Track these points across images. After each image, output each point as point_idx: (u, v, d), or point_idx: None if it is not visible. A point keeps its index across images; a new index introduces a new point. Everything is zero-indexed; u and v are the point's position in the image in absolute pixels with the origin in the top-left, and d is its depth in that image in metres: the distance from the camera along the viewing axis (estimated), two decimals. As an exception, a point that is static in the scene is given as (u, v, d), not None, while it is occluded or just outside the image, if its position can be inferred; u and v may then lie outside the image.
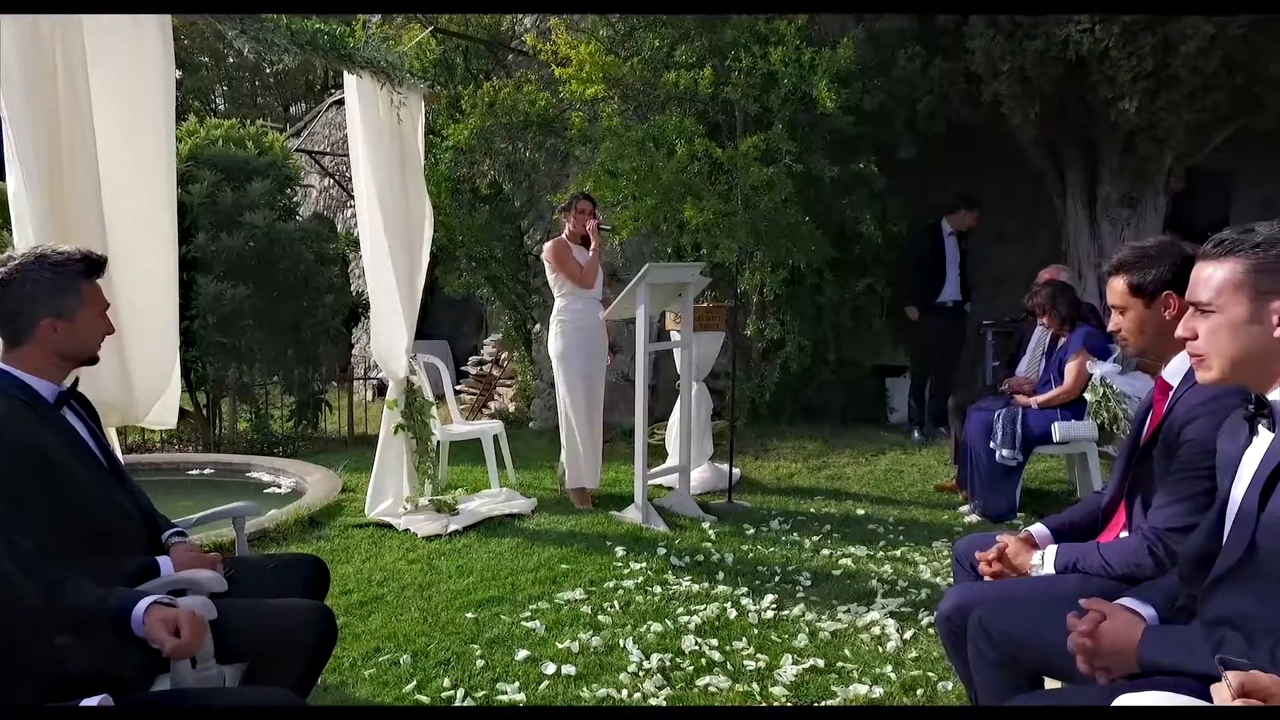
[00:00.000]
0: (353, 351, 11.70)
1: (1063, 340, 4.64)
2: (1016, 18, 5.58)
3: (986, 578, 2.19)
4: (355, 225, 10.84)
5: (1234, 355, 1.51)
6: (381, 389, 10.40)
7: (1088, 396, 4.26)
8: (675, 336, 5.21)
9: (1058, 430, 4.34)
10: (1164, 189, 6.47)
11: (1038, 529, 2.24)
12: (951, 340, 6.69)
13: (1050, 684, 1.87)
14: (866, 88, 6.21)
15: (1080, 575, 1.99)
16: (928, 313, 6.62)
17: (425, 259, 4.63)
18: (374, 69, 4.16)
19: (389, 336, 4.51)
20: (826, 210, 6.53)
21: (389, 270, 4.33)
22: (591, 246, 4.88)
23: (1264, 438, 1.53)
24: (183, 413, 6.55)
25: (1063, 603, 1.76)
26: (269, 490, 5.50)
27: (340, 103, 11.27)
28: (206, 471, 5.98)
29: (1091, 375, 4.25)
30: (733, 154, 6.04)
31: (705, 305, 5.35)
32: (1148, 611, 1.65)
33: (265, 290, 7.36)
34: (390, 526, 4.42)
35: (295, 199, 8.70)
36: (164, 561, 2.07)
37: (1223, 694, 1.16)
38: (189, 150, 7.59)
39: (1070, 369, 4.42)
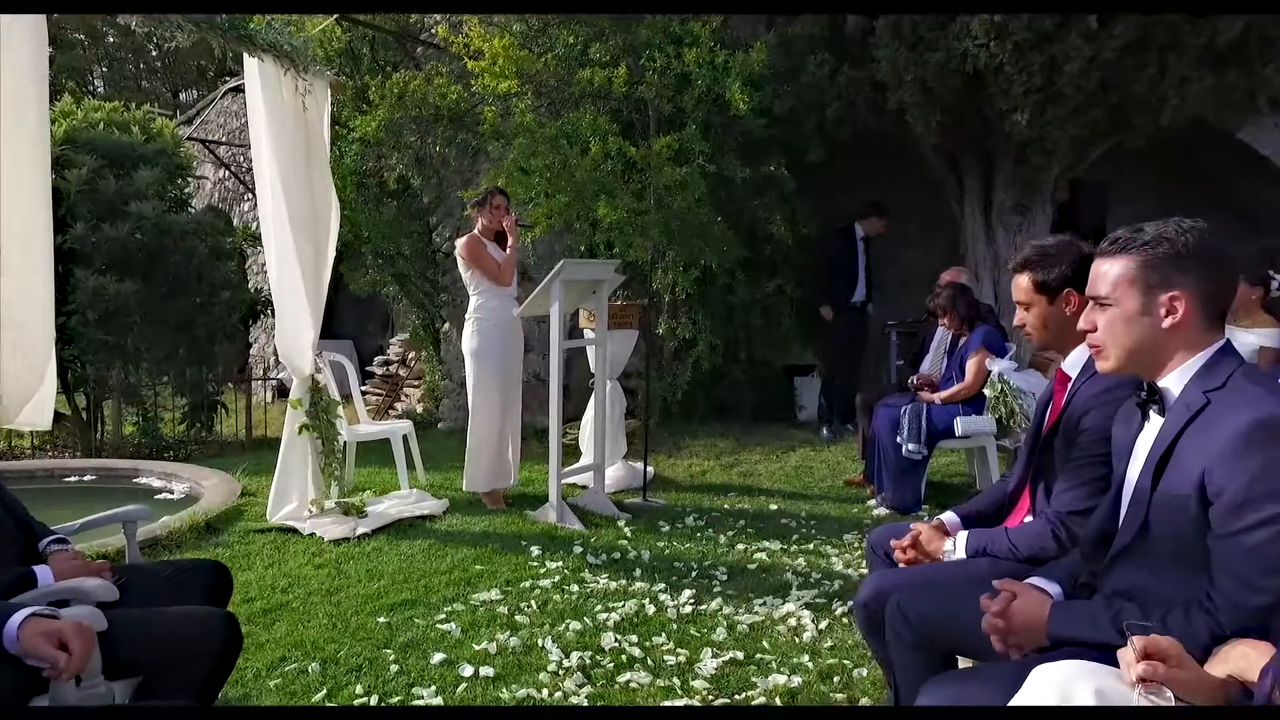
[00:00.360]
0: (251, 351, 11.20)
1: (963, 340, 4.84)
2: (920, 30, 5.80)
3: (901, 564, 2.25)
4: (254, 219, 10.41)
5: (1129, 346, 1.59)
6: (282, 390, 10.00)
7: (987, 392, 4.46)
8: (589, 334, 5.18)
9: (960, 425, 4.52)
10: (1051, 198, 6.86)
11: (948, 517, 2.32)
12: (858, 339, 6.94)
13: (964, 664, 1.93)
14: (777, 92, 6.33)
15: (990, 559, 2.07)
16: (840, 313, 6.84)
17: (331, 252, 4.46)
18: (276, 53, 3.98)
19: (294, 332, 4.31)
20: (738, 211, 6.63)
21: (294, 263, 4.14)
22: (508, 243, 4.80)
23: (1155, 423, 1.62)
24: (58, 416, 6.12)
25: (975, 585, 1.83)
26: (160, 496, 5.19)
27: (237, 89, 10.77)
28: (87, 478, 5.58)
29: (990, 372, 4.45)
30: (646, 153, 6.05)
31: (619, 303, 5.34)
32: (1054, 589, 1.73)
33: (154, 285, 6.93)
34: (294, 531, 4.23)
35: (187, 190, 8.25)
36: (42, 571, 1.92)
37: (1128, 657, 1.21)
38: (64, 133, 7.08)
39: (970, 366, 4.62)
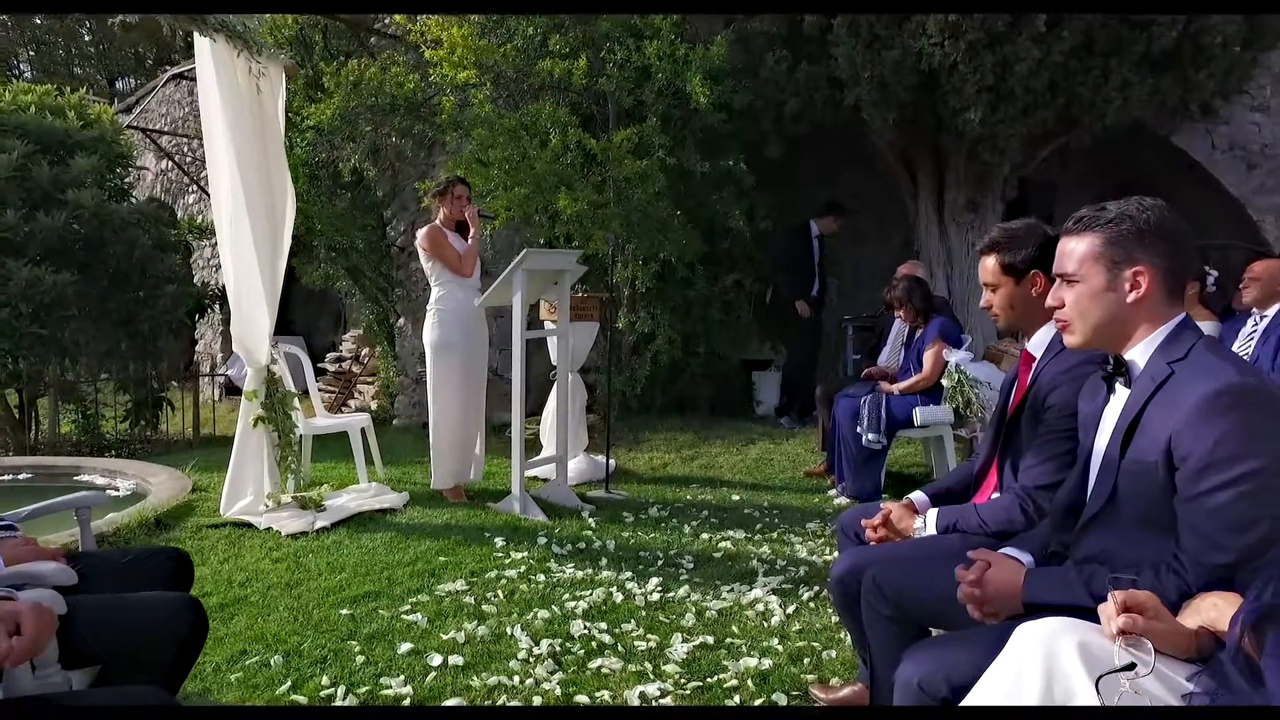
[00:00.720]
0: (197, 347, 10.89)
1: (919, 332, 4.93)
2: (876, 29, 5.90)
3: (872, 543, 2.28)
4: (199, 212, 10.12)
5: (1095, 320, 1.65)
6: (230, 388, 9.73)
7: (944, 382, 4.54)
8: (550, 326, 5.15)
9: (918, 415, 4.60)
10: (1002, 195, 7.03)
11: (917, 496, 2.35)
12: (815, 333, 7.05)
13: (937, 634, 1.96)
14: (736, 87, 6.37)
15: (961, 534, 2.11)
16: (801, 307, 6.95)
17: (287, 240, 4.35)
18: (229, 32, 3.87)
19: (250, 320, 4.20)
20: (697, 205, 6.66)
21: (250, 248, 4.03)
22: (470, 233, 4.74)
23: (1121, 395, 1.67)
24: (-10, 413, 5.88)
25: (948, 558, 1.86)
26: (105, 493, 4.99)
27: (180, 77, 10.46)
28: (22, 476, 5.34)
29: (948, 363, 4.53)
30: (606, 145, 6.04)
31: (580, 295, 5.32)
32: (1026, 558, 1.77)
33: (93, 277, 6.69)
34: (250, 526, 4.12)
35: (128, 179, 7.98)
36: None
37: (1108, 610, 1.25)
38: (-11, 116, 6.78)
39: (928, 357, 4.70)
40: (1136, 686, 1.15)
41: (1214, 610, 1.26)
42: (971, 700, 1.32)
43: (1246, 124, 7.04)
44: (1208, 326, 4.93)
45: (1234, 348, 4.59)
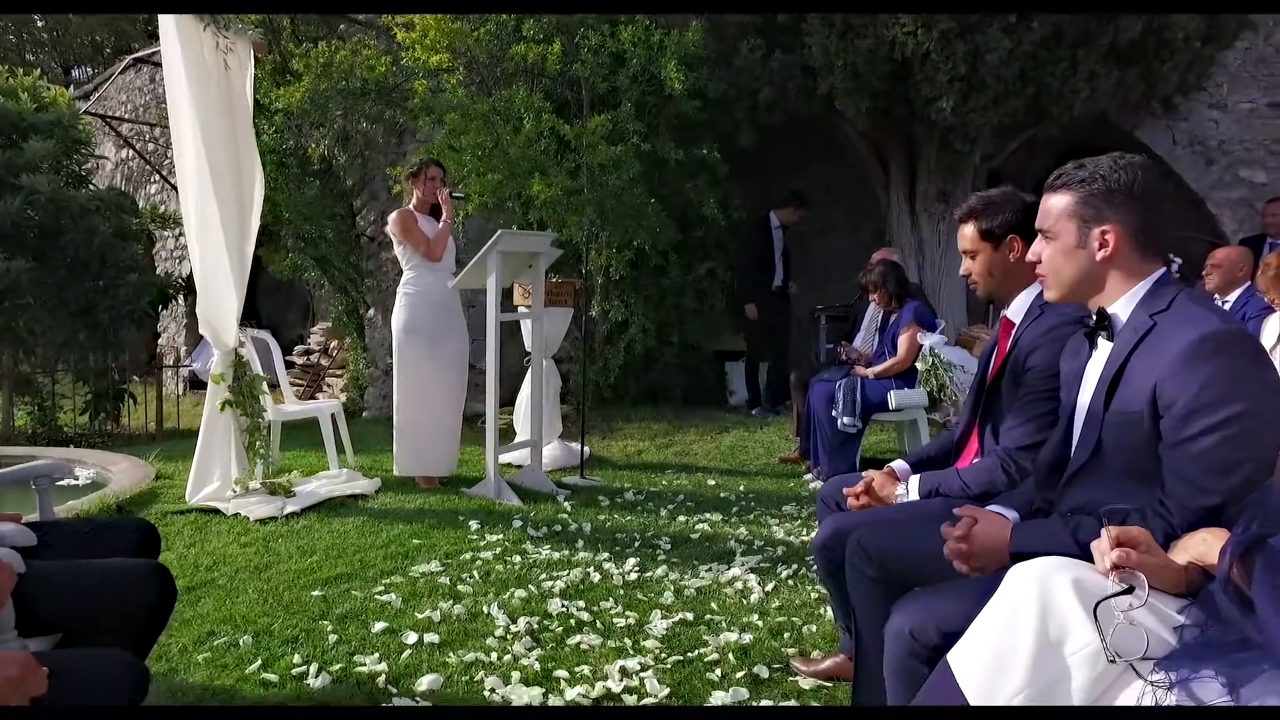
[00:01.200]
0: (161, 340, 10.66)
1: (894, 317, 4.96)
2: (850, 18, 5.92)
3: (854, 510, 2.27)
4: (161, 201, 9.89)
5: (1067, 276, 1.69)
6: (195, 382, 9.52)
7: (919, 366, 4.57)
8: (525, 310, 5.10)
9: (893, 398, 4.63)
10: (972, 186, 7.10)
11: (898, 464, 2.35)
12: (781, 322, 7.08)
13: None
14: (710, 75, 6.36)
15: (944, 498, 2.11)
16: (761, 298, 6.97)
17: (255, 222, 4.25)
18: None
19: (216, 303, 4.10)
20: (671, 193, 6.64)
21: (217, 228, 3.93)
22: (443, 216, 4.67)
23: (1103, 349, 1.68)
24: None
25: (932, 520, 1.85)
26: (63, 483, 4.85)
27: (139, 63, 10.22)
28: None
29: (922, 346, 4.56)
30: (580, 131, 6.01)
31: (555, 280, 5.28)
32: (1011, 514, 1.77)
33: (50, 265, 6.50)
34: (217, 512, 4.02)
35: (86, 166, 7.77)
36: None
37: (1102, 546, 1.25)
38: (-64, 98, 6.58)
39: (903, 341, 4.73)
40: (1130, 618, 1.14)
41: (1203, 545, 1.26)
42: (966, 641, 1.31)
43: (1205, 121, 7.20)
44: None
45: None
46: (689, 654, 2.59)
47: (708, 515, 4.17)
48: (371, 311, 7.83)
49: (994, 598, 1.30)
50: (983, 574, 1.64)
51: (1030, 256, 1.78)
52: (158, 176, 10.14)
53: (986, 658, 1.25)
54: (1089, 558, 1.36)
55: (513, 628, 2.76)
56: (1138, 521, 1.43)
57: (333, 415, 4.94)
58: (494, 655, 2.57)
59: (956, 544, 1.66)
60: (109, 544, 1.94)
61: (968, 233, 2.27)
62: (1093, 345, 1.73)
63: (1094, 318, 1.70)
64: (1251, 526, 1.16)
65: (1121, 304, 1.64)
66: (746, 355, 7.39)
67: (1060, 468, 1.76)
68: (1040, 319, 2.13)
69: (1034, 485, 1.84)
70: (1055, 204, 1.68)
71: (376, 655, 2.55)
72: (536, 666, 2.50)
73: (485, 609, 2.91)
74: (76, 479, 4.88)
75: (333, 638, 2.67)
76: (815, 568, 2.51)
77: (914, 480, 2.21)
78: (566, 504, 4.32)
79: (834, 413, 4.67)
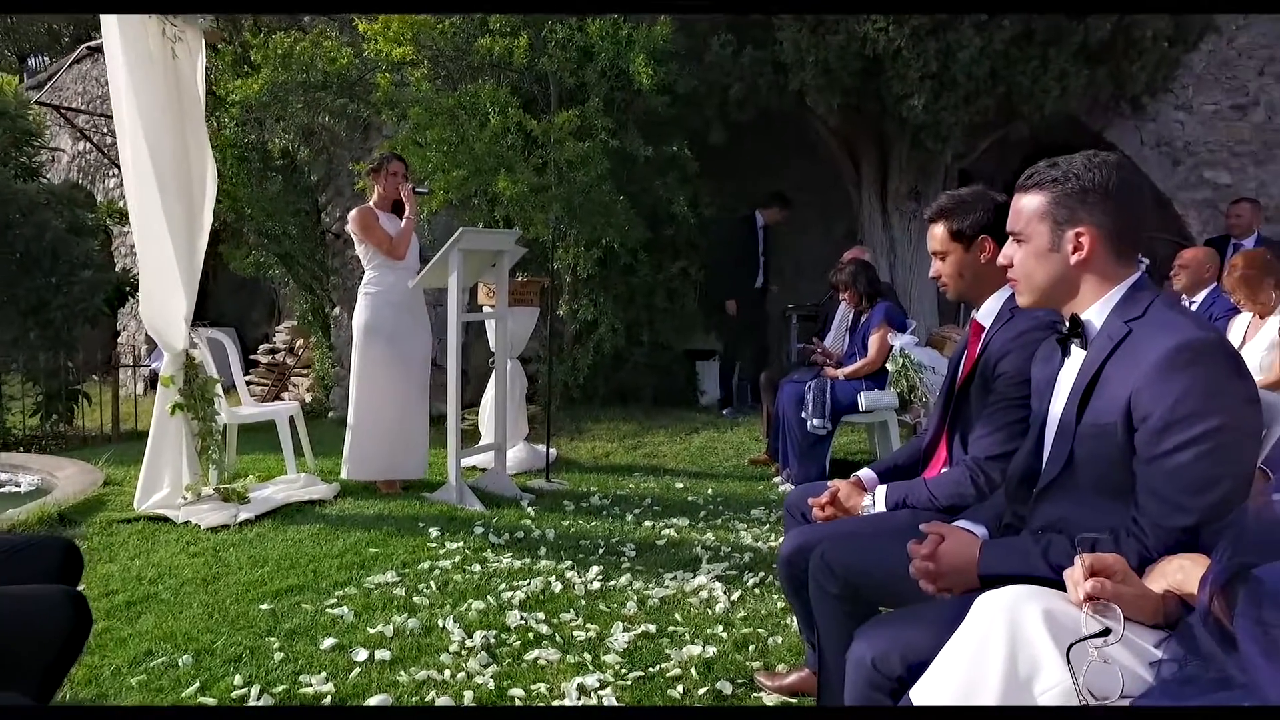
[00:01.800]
0: (120, 338, 10.38)
1: (864, 317, 4.90)
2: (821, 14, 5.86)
3: (819, 521, 2.19)
4: (120, 196, 9.61)
5: (1041, 280, 1.60)
6: (154, 382, 9.26)
7: (889, 367, 4.51)
8: (489, 310, 4.98)
9: (863, 400, 4.57)
10: (944, 186, 7.08)
11: (865, 473, 2.28)
12: (759, 323, 7.03)
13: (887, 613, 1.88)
14: (680, 71, 6.26)
15: (911, 510, 2.03)
16: (742, 298, 6.92)
17: (208, 218, 4.09)
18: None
19: (162, 303, 3.93)
20: (640, 190, 6.54)
21: (163, 226, 3.77)
22: (406, 213, 4.53)
23: (1076, 357, 1.61)
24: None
25: (898, 534, 1.78)
26: (4, 490, 4.66)
27: (95, 52, 9.90)
28: None
29: (892, 347, 4.51)
30: (547, 127, 5.89)
31: (520, 279, 5.17)
32: (980, 530, 1.69)
33: (-1, 261, 6.29)
34: (167, 520, 3.87)
35: (37, 158, 7.52)
36: None
37: (1075, 575, 1.17)
38: None
39: (873, 341, 4.67)
40: (1105, 655, 1.07)
41: (1180, 573, 1.19)
42: (930, 676, 1.23)
43: (1171, 122, 7.24)
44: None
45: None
46: (650, 669, 2.51)
47: (674, 520, 4.08)
48: (337, 310, 7.65)
49: (961, 628, 1.22)
50: (950, 594, 1.57)
51: (1001, 260, 1.69)
52: (116, 170, 9.84)
53: (952, 695, 1.17)
54: (1060, 578, 1.29)
55: (468, 642, 2.65)
56: (1110, 544, 1.36)
57: (291, 418, 4.79)
58: (447, 673, 2.46)
59: (923, 563, 1.59)
60: (25, 567, 1.80)
61: (938, 233, 2.20)
62: (1065, 352, 1.66)
63: (1066, 324, 1.63)
64: (1232, 554, 1.09)
65: (1095, 310, 1.57)
66: (723, 354, 7.33)
67: (1031, 479, 1.68)
68: (1011, 323, 2.06)
69: (1004, 498, 1.77)
70: (1027, 205, 1.60)
71: (323, 674, 2.43)
72: (491, 685, 2.40)
73: (441, 622, 2.80)
74: (19, 485, 4.69)
75: (278, 656, 2.54)
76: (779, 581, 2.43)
77: (880, 491, 2.14)
78: (530, 509, 4.22)
79: (803, 414, 4.61)
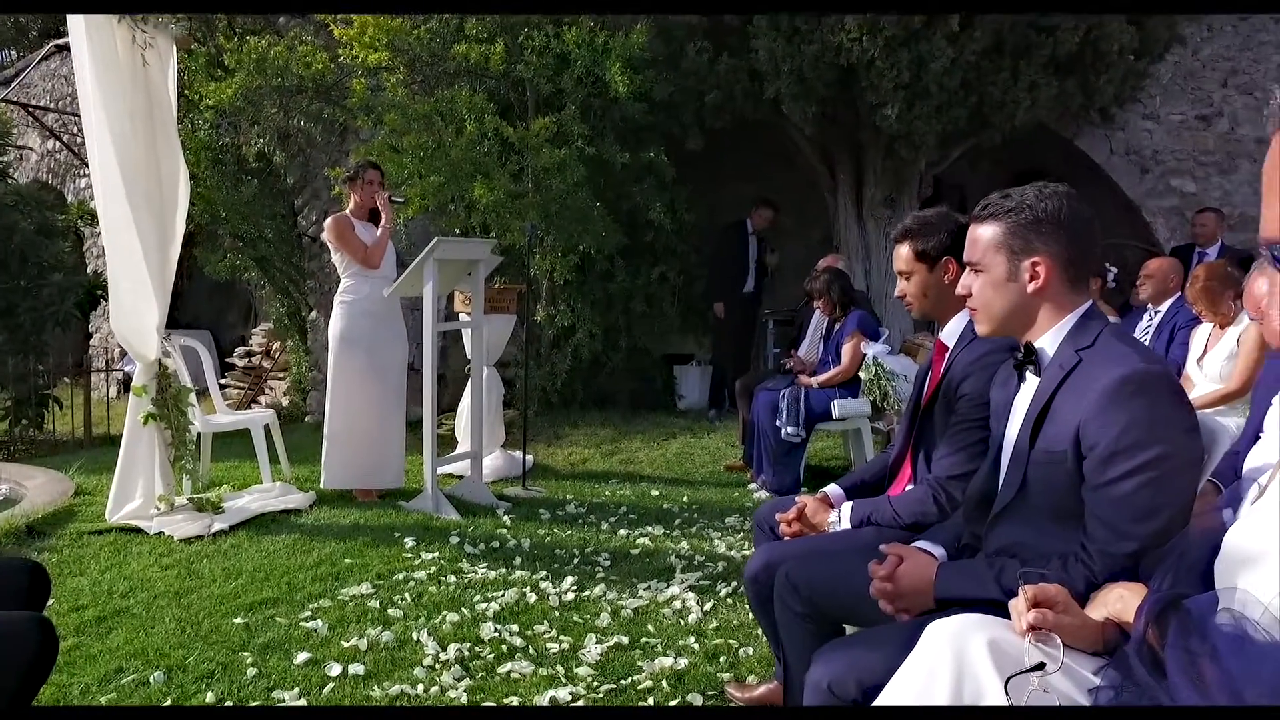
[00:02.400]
0: (91, 341, 10.26)
1: (838, 325, 4.96)
2: (796, 22, 5.91)
3: (786, 537, 2.24)
4: (91, 196, 9.49)
5: (999, 310, 1.64)
6: (128, 385, 9.16)
7: (862, 375, 4.58)
8: (465, 319, 4.99)
9: (837, 408, 4.63)
10: (917, 193, 7.17)
11: (832, 489, 2.33)
12: (747, 329, 7.11)
13: (851, 633, 1.93)
14: (657, 78, 6.30)
15: (876, 528, 2.08)
16: (730, 304, 7.00)
17: (180, 226, 4.07)
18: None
19: (133, 313, 3.91)
20: (617, 197, 6.57)
21: (133, 235, 3.74)
22: (381, 222, 4.52)
23: (1031, 383, 1.66)
24: None
25: (862, 553, 1.82)
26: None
27: (64, 50, 9.77)
28: None
29: (865, 355, 4.57)
30: (524, 134, 5.90)
31: (497, 287, 5.18)
32: (939, 551, 1.75)
33: (-35, 265, 6.21)
34: (139, 531, 3.85)
35: (5, 158, 7.43)
36: None
37: (1019, 606, 1.22)
38: None
39: (846, 350, 4.73)
40: (1045, 684, 1.12)
41: (1120, 602, 1.24)
42: (882, 701, 1.27)
43: (1140, 131, 7.38)
44: (1108, 322, 5.10)
45: (1132, 342, 4.78)
46: (622, 682, 2.54)
47: (649, 529, 4.12)
48: (314, 314, 7.62)
49: (910, 656, 1.27)
50: (909, 614, 1.62)
51: (960, 290, 1.73)
52: (87, 169, 9.72)
53: (901, 721, 1.22)
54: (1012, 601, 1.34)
55: (442, 655, 2.67)
56: (1059, 569, 1.41)
57: (266, 426, 4.78)
58: (420, 687, 2.48)
59: (881, 583, 1.64)
60: (-8, 589, 1.80)
61: (903, 253, 2.24)
62: (1021, 377, 1.71)
63: (1022, 350, 1.68)
64: (1166, 582, 1.14)
65: (1049, 338, 1.62)
66: (713, 359, 7.39)
67: (988, 501, 1.73)
68: (973, 344, 2.11)
69: (963, 519, 1.82)
70: (983, 235, 1.64)
71: (297, 690, 2.44)
72: (464, 699, 2.42)
73: (415, 635, 2.82)
74: (-12, 496, 4.64)
75: (251, 671, 2.55)
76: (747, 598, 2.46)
77: (846, 508, 2.18)
78: (506, 518, 4.24)
79: (778, 422, 4.66)
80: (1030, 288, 1.59)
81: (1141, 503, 1.38)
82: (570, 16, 6.07)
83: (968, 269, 1.70)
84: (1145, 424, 1.40)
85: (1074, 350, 1.56)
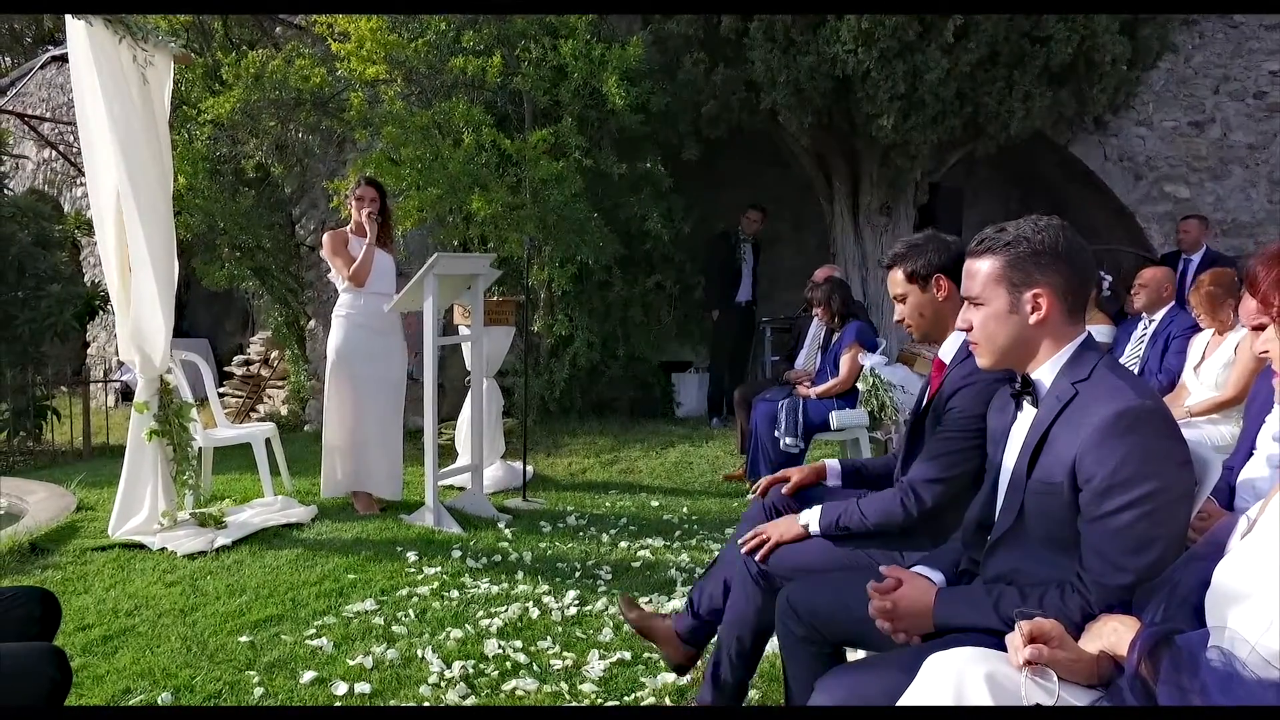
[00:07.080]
0: (89, 351, 10.27)
1: (836, 335, 5.00)
2: (792, 34, 5.95)
3: (744, 550, 2.26)
4: (88, 206, 9.49)
5: (1001, 343, 1.67)
6: (127, 393, 9.18)
7: (860, 386, 4.61)
8: (464, 331, 5.02)
9: (835, 419, 4.67)
10: (914, 200, 7.22)
11: (830, 463, 2.41)
12: (743, 337, 7.14)
13: (852, 655, 1.96)
14: (653, 89, 6.34)
15: (863, 549, 2.11)
16: (725, 311, 7.07)
17: (173, 241, 4.10)
18: (108, 16, 3.59)
19: (146, 328, 3.91)
20: (614, 207, 6.61)
21: (143, 248, 3.76)
22: (367, 239, 4.54)
23: (1028, 413, 1.69)
24: None
25: (863, 575, 1.85)
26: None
27: (62, 59, 9.78)
28: None
29: (863, 366, 4.61)
30: (521, 146, 5.93)
31: (495, 299, 5.21)
32: (937, 576, 1.78)
33: (-36, 276, 6.22)
34: (142, 547, 3.87)
35: (3, 168, 7.44)
36: None
37: (1015, 641, 1.26)
38: None
39: (844, 361, 4.77)
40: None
41: (1114, 635, 1.28)
42: (883, 734, 1.31)
43: (1133, 137, 7.44)
44: (1103, 330, 5.16)
45: (1126, 350, 4.83)
46: (625, 699, 2.57)
47: (650, 540, 4.15)
48: (312, 323, 7.65)
49: (910, 687, 1.30)
50: (908, 637, 1.65)
51: (960, 325, 1.74)
52: (84, 179, 9.72)
53: (903, 753, 1.25)
54: (1009, 629, 1.37)
55: (447, 673, 2.70)
56: (1056, 598, 1.44)
57: (267, 440, 4.80)
58: (426, 705, 2.51)
59: (880, 603, 1.67)
60: (4, 621, 1.82)
61: (896, 277, 2.29)
62: (1018, 407, 1.74)
63: (1019, 381, 1.71)
64: (1159, 614, 1.18)
65: (1045, 369, 1.65)
66: (710, 366, 7.43)
67: (986, 527, 1.77)
68: (966, 361, 2.14)
69: (961, 544, 1.85)
70: (981, 269, 1.66)
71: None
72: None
73: (420, 652, 2.85)
74: (-11, 512, 4.65)
75: (258, 691, 2.58)
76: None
77: (816, 511, 2.20)
78: (507, 530, 4.27)
79: (776, 433, 4.70)
80: (1032, 319, 1.61)
81: (1136, 536, 1.42)
82: (566, 29, 6.10)
83: (966, 304, 1.72)
84: (1140, 459, 1.43)
85: (1070, 383, 1.59)
